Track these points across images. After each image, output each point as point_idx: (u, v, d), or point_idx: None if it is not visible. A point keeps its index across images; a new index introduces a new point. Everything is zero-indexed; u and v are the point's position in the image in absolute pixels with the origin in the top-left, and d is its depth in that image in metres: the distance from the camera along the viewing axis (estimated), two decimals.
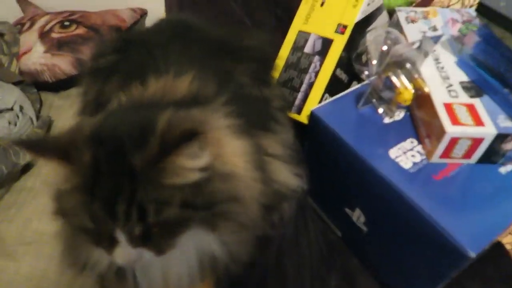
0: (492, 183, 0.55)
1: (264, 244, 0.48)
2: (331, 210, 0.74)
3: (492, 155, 0.55)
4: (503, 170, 0.56)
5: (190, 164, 0.36)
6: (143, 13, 1.25)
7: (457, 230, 0.49)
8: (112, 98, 0.49)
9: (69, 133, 0.37)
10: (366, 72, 0.66)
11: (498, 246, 0.68)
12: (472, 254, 0.47)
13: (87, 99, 0.57)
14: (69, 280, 0.60)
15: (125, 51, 0.57)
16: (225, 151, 0.41)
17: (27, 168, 0.86)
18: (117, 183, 0.34)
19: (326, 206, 0.75)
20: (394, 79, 0.58)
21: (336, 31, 0.68)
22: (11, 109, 0.92)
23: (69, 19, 1.15)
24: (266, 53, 0.63)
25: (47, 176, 0.78)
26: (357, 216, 0.65)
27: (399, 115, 0.64)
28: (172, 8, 1.04)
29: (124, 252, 0.36)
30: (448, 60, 0.63)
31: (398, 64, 0.59)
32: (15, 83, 1.00)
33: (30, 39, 1.11)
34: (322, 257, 0.69)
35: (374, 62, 0.63)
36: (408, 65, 0.59)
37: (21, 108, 0.95)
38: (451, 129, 0.53)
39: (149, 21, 1.28)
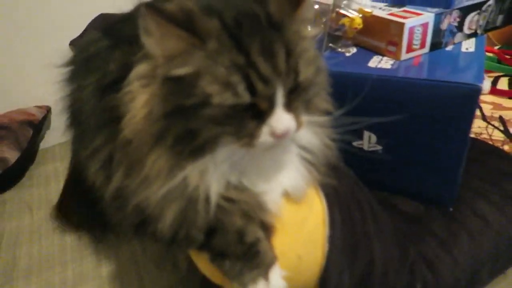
0: (450, 54, 0.69)
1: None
2: None
3: (437, 39, 0.69)
4: (449, 48, 0.71)
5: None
6: (48, 109, 1.19)
7: (460, 78, 0.59)
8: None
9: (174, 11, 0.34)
10: None
11: None
12: (480, 85, 0.57)
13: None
14: None
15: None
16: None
17: None
18: (265, 38, 0.35)
19: None
20: (344, 11, 0.70)
21: None
22: None
23: None
24: None
25: None
26: (367, 141, 0.69)
27: (354, 50, 0.75)
28: None
29: (283, 117, 0.37)
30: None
31: (340, 2, 0.72)
32: None
33: None
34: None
35: None
36: (345, 1, 0.72)
37: None
38: (406, 21, 0.65)
39: (54, 117, 1.22)
